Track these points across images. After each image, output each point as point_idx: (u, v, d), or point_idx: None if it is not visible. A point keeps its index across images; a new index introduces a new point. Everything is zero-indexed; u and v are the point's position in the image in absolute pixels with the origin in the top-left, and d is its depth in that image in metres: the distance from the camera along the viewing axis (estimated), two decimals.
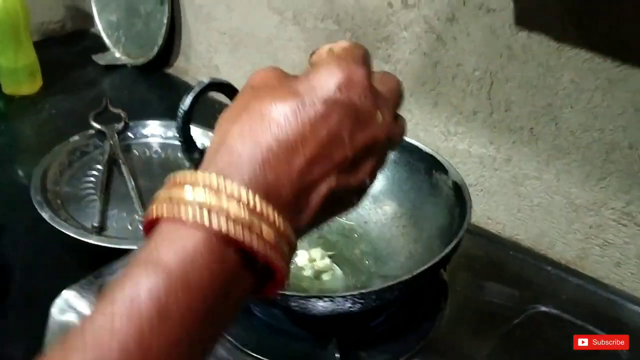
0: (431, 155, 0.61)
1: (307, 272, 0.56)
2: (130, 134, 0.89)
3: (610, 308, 0.59)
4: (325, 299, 0.45)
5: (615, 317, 0.59)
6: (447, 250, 0.47)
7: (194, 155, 0.59)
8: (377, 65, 0.83)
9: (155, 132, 0.91)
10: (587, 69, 0.67)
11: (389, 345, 0.51)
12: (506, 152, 0.78)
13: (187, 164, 0.89)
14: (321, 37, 0.93)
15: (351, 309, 0.46)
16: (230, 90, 0.60)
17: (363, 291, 0.46)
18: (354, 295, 0.46)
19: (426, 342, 0.51)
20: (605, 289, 0.63)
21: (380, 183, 0.63)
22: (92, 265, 0.68)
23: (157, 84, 1.19)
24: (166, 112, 1.02)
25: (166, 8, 1.12)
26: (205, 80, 0.60)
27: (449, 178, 0.59)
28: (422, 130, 0.85)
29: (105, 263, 0.66)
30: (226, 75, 1.11)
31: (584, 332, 0.55)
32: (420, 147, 0.63)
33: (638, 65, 0.64)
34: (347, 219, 0.61)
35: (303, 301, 0.46)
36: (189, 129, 0.59)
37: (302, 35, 0.96)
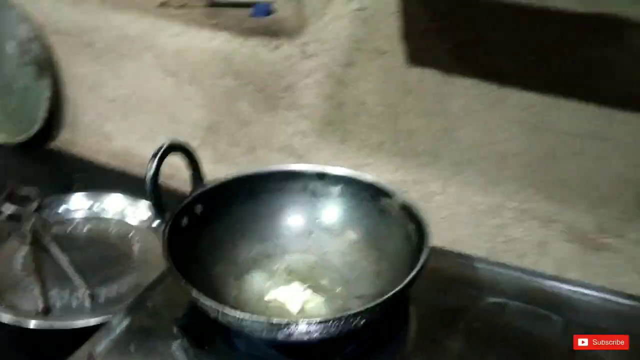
0: (372, 184, 0.68)
1: (292, 307, 0.60)
2: (47, 211, 0.86)
3: (540, 287, 0.70)
4: (313, 324, 0.49)
5: (548, 293, 0.69)
6: (420, 263, 0.53)
7: (164, 216, 0.61)
8: (283, 114, 0.91)
9: (73, 207, 0.90)
10: (474, 94, 0.79)
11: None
12: (413, 175, 0.88)
13: (113, 234, 0.89)
14: (220, 93, 0.98)
15: (336, 333, 0.51)
16: (187, 151, 0.65)
17: (351, 312, 0.51)
18: (340, 318, 0.50)
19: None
20: (526, 272, 0.74)
21: (332, 215, 0.69)
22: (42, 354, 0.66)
23: (43, 160, 1.15)
24: (63, 186, 1.00)
25: (45, 82, 1.11)
26: (165, 143, 0.64)
27: (395, 201, 0.66)
28: (333, 164, 0.93)
29: (54, 348, 0.64)
30: (120, 141, 1.12)
31: (528, 315, 0.64)
32: (360, 179, 0.70)
33: (512, 87, 0.77)
34: (308, 254, 0.66)
35: (287, 329, 0.49)
36: (158, 191, 0.61)
37: (201, 93, 1.00)
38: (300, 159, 0.95)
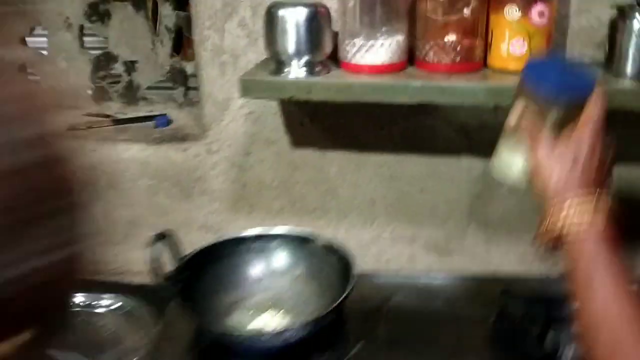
0: (298, 235, 0.94)
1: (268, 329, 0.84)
2: None
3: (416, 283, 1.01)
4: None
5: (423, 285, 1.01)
6: (349, 287, 0.80)
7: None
8: (197, 199, 1.12)
9: None
10: (345, 161, 1.10)
11: None
12: (310, 227, 1.15)
13: None
14: (138, 192, 1.18)
15: (301, 334, 0.75)
16: (169, 237, 0.84)
17: (306, 320, 0.76)
18: (301, 325, 0.74)
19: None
20: (405, 277, 1.05)
21: (278, 261, 0.95)
22: None
23: None
24: None
25: None
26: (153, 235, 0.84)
27: (317, 244, 0.93)
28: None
29: None
30: None
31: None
32: (288, 233, 0.96)
33: (370, 151, 1.09)
34: (268, 292, 0.92)
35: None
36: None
37: (119, 194, 1.19)
38: (217, 233, 1.18)
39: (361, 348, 0.81)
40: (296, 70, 0.90)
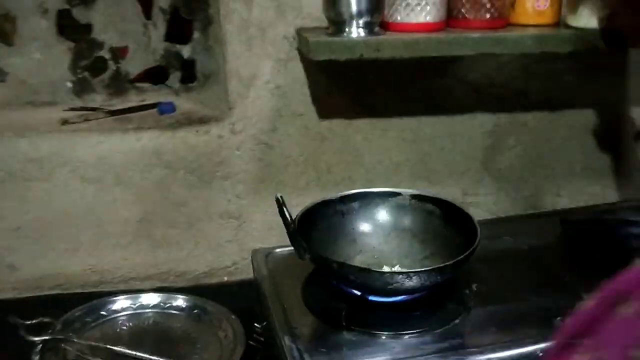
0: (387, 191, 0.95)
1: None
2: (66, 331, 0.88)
3: None
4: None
5: None
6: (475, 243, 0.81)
7: (304, 257, 0.78)
8: (218, 184, 1.08)
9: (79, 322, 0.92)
10: (369, 129, 1.12)
11: None
12: None
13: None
14: (151, 184, 1.09)
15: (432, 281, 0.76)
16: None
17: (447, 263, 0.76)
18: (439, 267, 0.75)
19: None
20: None
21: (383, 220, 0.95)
22: None
23: None
24: None
25: None
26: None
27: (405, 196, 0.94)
28: (270, 213, 1.14)
29: None
30: (29, 270, 1.10)
31: None
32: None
33: (392, 117, 1.13)
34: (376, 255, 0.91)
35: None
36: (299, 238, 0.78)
37: (129, 191, 1.09)
38: (239, 218, 1.13)
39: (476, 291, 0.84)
40: (356, 31, 0.92)
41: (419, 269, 0.74)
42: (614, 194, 1.28)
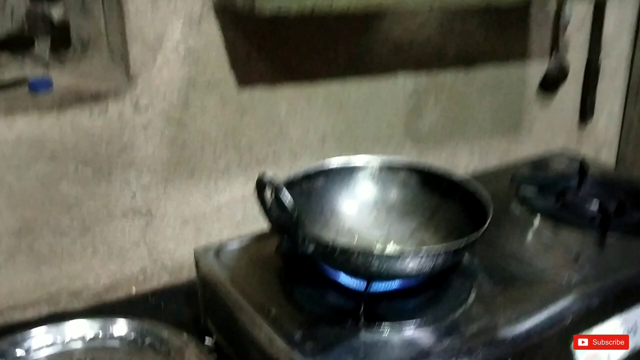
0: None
1: None
2: None
3: None
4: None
5: None
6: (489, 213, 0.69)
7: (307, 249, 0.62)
8: (121, 175, 0.88)
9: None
10: (294, 97, 0.98)
11: None
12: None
13: None
14: (32, 183, 0.83)
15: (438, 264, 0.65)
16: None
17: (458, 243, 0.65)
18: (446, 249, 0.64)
19: None
20: None
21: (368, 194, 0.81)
22: None
23: None
24: None
25: None
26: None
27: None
28: (185, 204, 0.95)
29: None
30: None
31: None
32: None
33: (318, 82, 0.99)
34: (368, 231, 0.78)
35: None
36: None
37: (1, 195, 0.82)
38: (147, 215, 0.92)
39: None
40: None
41: (440, 246, 0.62)
42: (519, 149, 1.29)
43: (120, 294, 0.94)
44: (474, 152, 1.24)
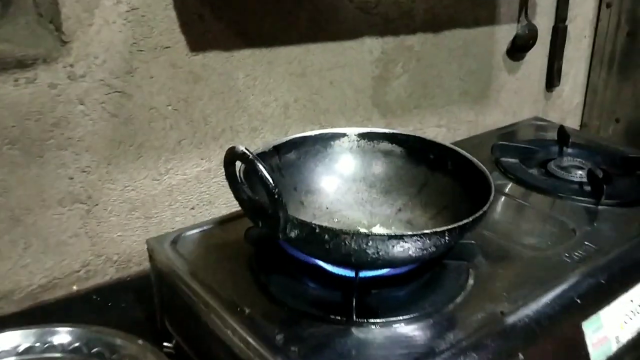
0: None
1: None
2: None
3: None
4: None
5: None
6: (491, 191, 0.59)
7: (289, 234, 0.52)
8: (54, 158, 0.76)
9: None
10: (252, 63, 0.87)
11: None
12: (217, 157, 0.89)
13: None
14: None
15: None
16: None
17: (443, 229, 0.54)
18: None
19: None
20: None
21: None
22: None
23: None
24: None
25: None
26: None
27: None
28: (131, 189, 0.83)
29: None
30: None
31: None
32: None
33: (278, 46, 0.89)
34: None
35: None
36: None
37: None
38: (87, 202, 0.80)
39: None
40: None
41: (445, 228, 0.52)
42: (487, 119, 1.23)
43: (59, 293, 0.82)
44: (441, 123, 1.16)
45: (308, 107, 0.96)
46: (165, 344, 0.68)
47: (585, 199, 0.79)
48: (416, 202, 0.67)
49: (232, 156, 0.51)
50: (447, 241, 0.52)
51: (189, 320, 0.62)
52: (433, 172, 0.68)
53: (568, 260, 0.65)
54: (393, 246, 0.50)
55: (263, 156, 0.65)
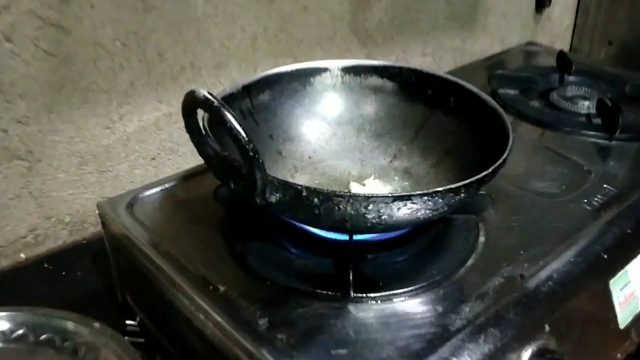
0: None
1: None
2: None
3: None
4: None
5: None
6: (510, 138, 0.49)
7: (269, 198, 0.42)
8: None
9: None
10: None
11: None
12: (177, 100, 0.77)
13: None
14: None
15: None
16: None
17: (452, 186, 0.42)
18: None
19: None
20: None
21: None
22: None
23: None
24: None
25: None
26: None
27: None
28: (80, 140, 0.71)
29: None
30: None
31: None
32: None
33: None
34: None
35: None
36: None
37: None
38: (28, 157, 0.69)
39: None
40: None
41: (461, 184, 0.42)
42: (474, 47, 1.12)
43: (4, 264, 0.71)
44: (426, 51, 1.05)
45: (279, 38, 0.84)
46: (128, 322, 0.59)
47: (597, 133, 0.71)
48: (413, 147, 0.58)
49: (192, 103, 0.40)
50: (462, 198, 0.43)
51: (153, 299, 0.53)
52: (432, 110, 0.57)
53: (588, 208, 0.57)
54: (399, 209, 0.41)
55: (231, 100, 0.54)
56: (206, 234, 0.53)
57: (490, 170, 0.43)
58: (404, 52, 1.02)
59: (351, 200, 0.40)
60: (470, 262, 0.50)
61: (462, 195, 0.42)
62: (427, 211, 0.42)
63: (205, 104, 0.39)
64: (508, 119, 0.50)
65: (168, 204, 0.58)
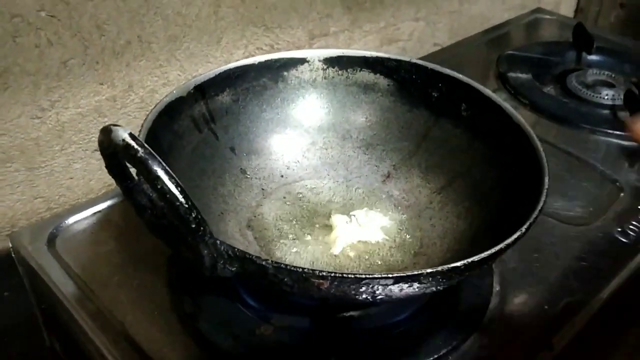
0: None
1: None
2: None
3: None
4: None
5: None
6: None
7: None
8: None
9: None
10: None
11: None
12: (122, 80, 0.64)
13: None
14: None
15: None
16: None
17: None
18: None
19: None
20: None
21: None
22: None
23: None
24: None
25: None
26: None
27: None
28: (2, 134, 0.58)
29: None
30: None
31: None
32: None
33: None
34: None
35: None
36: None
37: None
38: None
39: None
40: None
41: (477, 258, 0.30)
42: (472, 9, 0.99)
43: None
44: (419, 15, 0.92)
45: (248, 3, 0.70)
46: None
47: (625, 133, 0.59)
48: (413, 165, 0.46)
49: (108, 147, 0.27)
50: (476, 272, 0.32)
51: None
52: (437, 118, 0.45)
53: (623, 240, 0.47)
54: (401, 290, 0.29)
55: (180, 104, 0.41)
56: (148, 283, 0.41)
57: (511, 240, 0.32)
58: (394, 16, 0.88)
59: (336, 283, 0.29)
60: (482, 323, 0.39)
61: (477, 269, 0.31)
62: (436, 288, 0.31)
63: (126, 152, 0.26)
64: (518, 109, 0.39)
65: (101, 235, 0.46)
